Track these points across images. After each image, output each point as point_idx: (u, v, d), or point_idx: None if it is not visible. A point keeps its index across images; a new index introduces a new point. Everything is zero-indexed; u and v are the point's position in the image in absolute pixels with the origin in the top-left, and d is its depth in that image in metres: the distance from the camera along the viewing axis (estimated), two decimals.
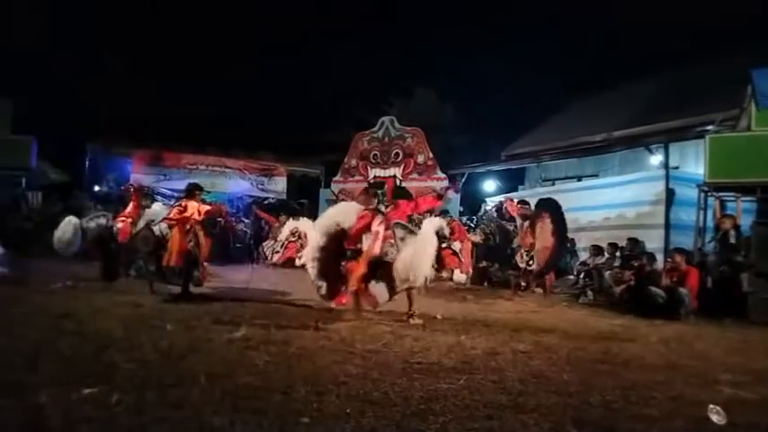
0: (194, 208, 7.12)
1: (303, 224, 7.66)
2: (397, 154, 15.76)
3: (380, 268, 5.93)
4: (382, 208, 6.29)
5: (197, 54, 26.11)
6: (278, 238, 8.56)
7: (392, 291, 5.94)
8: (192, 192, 7.35)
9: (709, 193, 9.22)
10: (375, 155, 16.11)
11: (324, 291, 6.25)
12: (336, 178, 16.77)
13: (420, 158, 15.44)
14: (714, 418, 3.05)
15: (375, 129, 16.42)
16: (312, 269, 6.27)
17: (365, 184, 16.18)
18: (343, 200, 16.20)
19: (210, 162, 16.80)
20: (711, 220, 9.18)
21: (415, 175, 15.46)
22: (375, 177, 16.03)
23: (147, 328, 4.67)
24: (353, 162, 16.47)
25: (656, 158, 11.07)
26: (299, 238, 7.60)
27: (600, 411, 3.19)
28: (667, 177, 9.86)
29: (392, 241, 5.94)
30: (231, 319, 5.41)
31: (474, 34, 28.71)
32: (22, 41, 18.62)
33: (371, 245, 5.98)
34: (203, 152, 16.84)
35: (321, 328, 5.23)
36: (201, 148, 16.90)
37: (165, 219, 7.23)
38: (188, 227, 7.01)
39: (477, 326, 5.96)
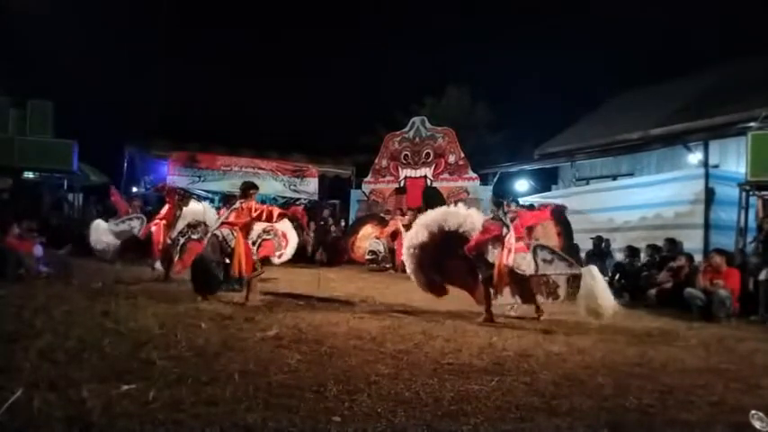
0: (260, 210, 6.69)
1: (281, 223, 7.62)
2: (428, 154, 15.73)
3: (513, 279, 6.21)
4: (508, 221, 6.41)
5: (230, 56, 26.57)
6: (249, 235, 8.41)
7: (526, 299, 6.32)
8: (247, 191, 6.83)
9: (751, 192, 8.95)
10: (406, 155, 16.11)
11: (422, 283, 6.83)
12: (367, 179, 16.83)
13: (451, 158, 15.39)
14: (756, 424, 2.94)
15: (406, 129, 16.43)
16: (409, 261, 6.83)
17: (396, 185, 16.23)
18: (374, 200, 16.30)
19: (244, 164, 17.06)
20: (753, 221, 8.90)
21: (446, 176, 15.42)
22: (406, 178, 16.05)
23: (182, 327, 4.77)
24: (384, 163, 16.51)
25: (695, 156, 10.79)
26: (276, 236, 7.64)
27: (636, 416, 3.12)
28: (707, 176, 9.60)
29: (523, 254, 6.21)
30: (263, 318, 5.48)
31: (506, 32, 28.45)
32: (62, 44, 19.22)
33: (505, 256, 6.18)
34: (237, 154, 17.12)
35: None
36: (235, 149, 17.19)
37: (227, 223, 6.61)
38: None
39: (509, 327, 5.91)
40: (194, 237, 8.17)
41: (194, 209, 8.45)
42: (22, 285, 6.89)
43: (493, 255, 6.29)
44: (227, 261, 6.47)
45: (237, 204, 6.75)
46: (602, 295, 5.74)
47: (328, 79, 27.71)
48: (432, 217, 6.91)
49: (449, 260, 6.62)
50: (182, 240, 8.08)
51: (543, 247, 6.32)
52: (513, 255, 6.19)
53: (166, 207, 8.28)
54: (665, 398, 3.46)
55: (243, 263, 6.45)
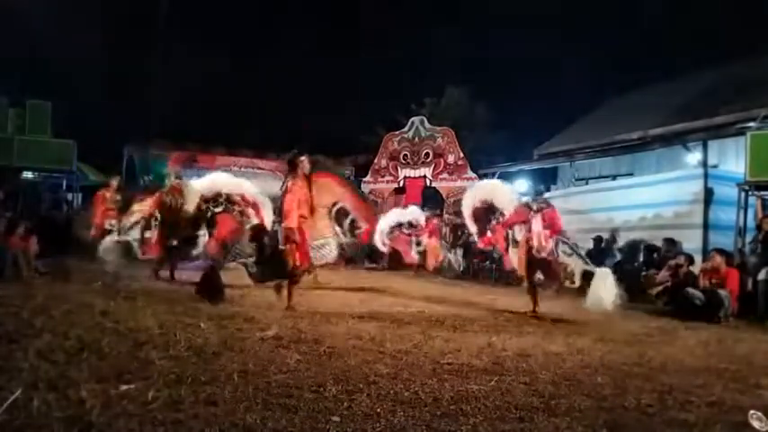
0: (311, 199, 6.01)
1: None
2: (427, 154, 15.74)
3: (533, 261, 6.80)
4: (535, 207, 6.94)
5: (229, 56, 26.56)
6: None
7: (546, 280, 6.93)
8: (295, 162, 5.98)
9: (750, 192, 8.96)
10: (405, 155, 16.12)
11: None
12: (366, 179, 16.83)
13: (450, 158, 15.40)
14: (755, 423, 2.95)
15: (405, 129, 16.44)
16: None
17: (395, 185, 16.23)
18: (373, 200, 16.30)
19: (243, 163, 17.03)
20: (752, 220, 8.91)
21: (445, 175, 15.42)
22: (405, 178, 16.05)
23: (181, 326, 4.76)
24: (383, 162, 16.52)
25: (694, 156, 10.79)
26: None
27: (635, 415, 3.12)
28: (706, 176, 9.60)
29: (543, 243, 6.83)
30: (262, 318, 5.48)
31: (506, 32, 28.44)
32: (62, 44, 19.19)
33: (529, 240, 6.79)
34: (236, 154, 17.10)
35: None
36: (235, 149, 17.16)
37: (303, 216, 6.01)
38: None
39: (508, 327, 5.92)
40: (218, 210, 7.93)
41: (203, 183, 8.12)
42: (22, 285, 6.88)
43: (519, 236, 6.96)
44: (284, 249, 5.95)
45: (290, 183, 6.05)
46: (606, 297, 6.35)
47: (328, 79, 27.71)
48: (475, 191, 7.91)
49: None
50: (209, 214, 7.81)
51: (565, 242, 6.96)
52: (537, 238, 6.75)
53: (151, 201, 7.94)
54: (664, 398, 3.46)
55: (301, 255, 6.02)
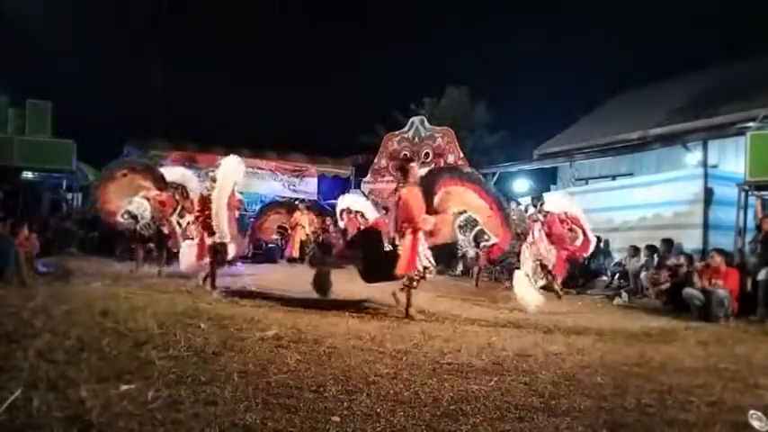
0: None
1: None
2: (426, 154, 15.76)
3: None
4: (540, 216, 7.60)
5: (229, 56, 26.56)
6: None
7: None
8: (406, 168, 5.95)
9: (750, 192, 8.96)
10: (405, 155, 16.11)
11: None
12: (366, 179, 16.84)
13: (450, 158, 15.40)
14: (755, 423, 2.94)
15: (405, 129, 16.46)
16: None
17: (395, 185, 16.23)
18: (373, 200, 16.29)
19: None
20: (752, 220, 8.91)
21: None
22: None
23: (181, 327, 4.76)
24: (383, 162, 16.53)
25: (694, 156, 10.80)
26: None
27: (635, 416, 3.12)
28: (706, 176, 9.61)
29: (544, 245, 7.46)
30: (262, 318, 5.48)
31: (506, 32, 28.46)
32: (62, 44, 19.21)
33: (535, 244, 7.47)
34: (236, 154, 17.06)
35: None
36: (234, 149, 17.14)
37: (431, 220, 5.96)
38: None
39: (508, 327, 5.92)
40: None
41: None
42: (22, 285, 6.87)
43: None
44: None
45: (403, 191, 6.04)
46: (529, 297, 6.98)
47: (328, 79, 27.72)
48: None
49: None
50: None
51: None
52: (541, 245, 7.40)
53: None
54: (664, 398, 3.46)
55: (409, 259, 6.01)
